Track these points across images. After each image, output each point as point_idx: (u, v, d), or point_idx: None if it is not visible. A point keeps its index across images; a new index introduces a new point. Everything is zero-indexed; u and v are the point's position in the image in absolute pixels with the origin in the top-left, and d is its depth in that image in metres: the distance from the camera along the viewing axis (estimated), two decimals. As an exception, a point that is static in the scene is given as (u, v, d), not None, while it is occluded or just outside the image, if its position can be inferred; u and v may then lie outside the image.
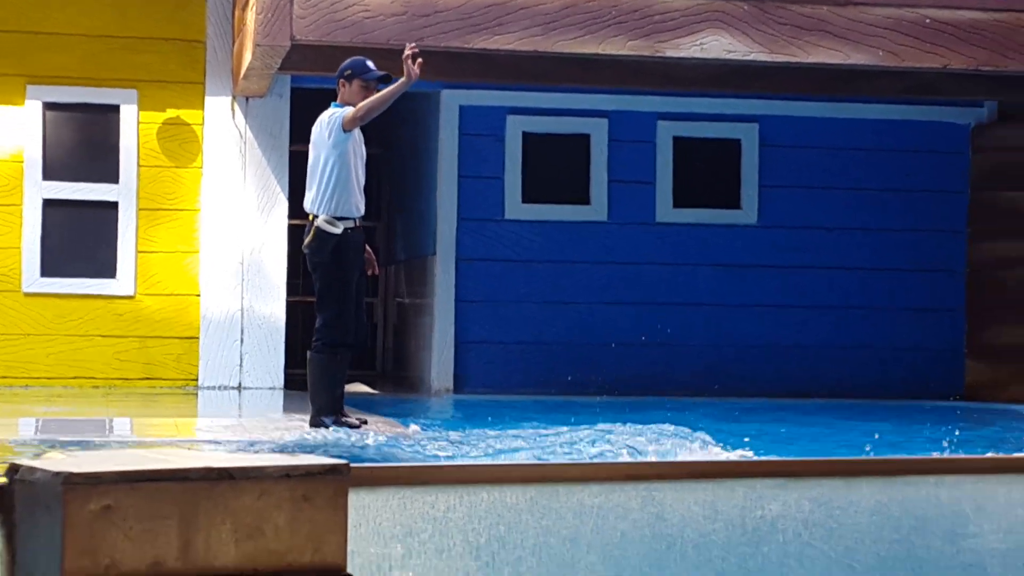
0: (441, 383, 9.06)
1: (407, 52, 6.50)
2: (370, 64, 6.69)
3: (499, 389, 9.06)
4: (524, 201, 9.41)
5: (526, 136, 9.49)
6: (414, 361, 9.88)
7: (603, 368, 9.05)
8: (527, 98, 9.46)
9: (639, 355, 9.44)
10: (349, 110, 6.58)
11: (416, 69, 6.48)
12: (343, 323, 6.53)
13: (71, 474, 1.06)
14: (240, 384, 8.55)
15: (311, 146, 6.67)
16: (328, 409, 6.38)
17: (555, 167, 9.60)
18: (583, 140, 9.57)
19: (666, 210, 9.65)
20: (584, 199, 9.57)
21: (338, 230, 6.44)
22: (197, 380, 8.57)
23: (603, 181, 9.53)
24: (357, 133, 6.65)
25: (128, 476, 1.07)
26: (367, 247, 6.85)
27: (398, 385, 10.07)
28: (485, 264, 9.42)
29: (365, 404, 7.61)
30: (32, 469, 1.11)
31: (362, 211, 6.69)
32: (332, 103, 6.66)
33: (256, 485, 1.12)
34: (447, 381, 9.05)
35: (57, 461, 1.16)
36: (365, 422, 6.45)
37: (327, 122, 6.64)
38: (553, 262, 9.44)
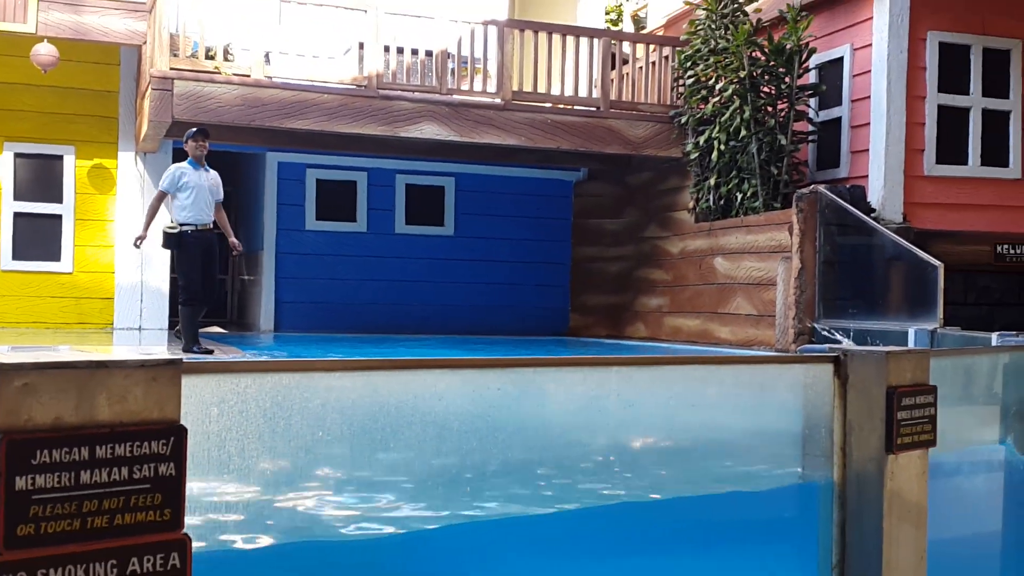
0: (266, 326, 11.90)
1: (236, 250, 8.61)
2: (193, 129, 8.38)
3: (301, 330, 11.80)
4: (317, 219, 12.19)
5: (318, 181, 12.22)
6: (251, 314, 12.62)
7: (362, 319, 12.08)
8: (320, 159, 12.01)
9: (382, 311, 12.23)
10: (165, 182, 8.29)
11: (235, 249, 8.56)
12: (192, 287, 8.18)
13: (2, 363, 1.32)
14: (140, 327, 11.12)
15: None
16: (192, 341, 8.09)
17: (336, 200, 12.24)
18: (353, 184, 12.36)
19: (401, 225, 12.54)
20: (353, 218, 12.33)
21: (175, 231, 8.17)
22: (113, 324, 11.12)
23: (364, 208, 12.34)
24: (203, 178, 8.26)
25: (39, 365, 1.35)
26: (232, 239, 8.66)
27: (241, 328, 12.73)
28: (293, 256, 12.08)
29: (221, 339, 10.42)
30: None
31: (201, 221, 8.20)
32: (187, 159, 8.38)
33: (122, 371, 1.43)
34: (270, 325, 11.88)
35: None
36: (212, 351, 8.22)
37: (166, 175, 8.42)
38: (333, 255, 12.13)
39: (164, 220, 8.44)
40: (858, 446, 2.43)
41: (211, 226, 8.37)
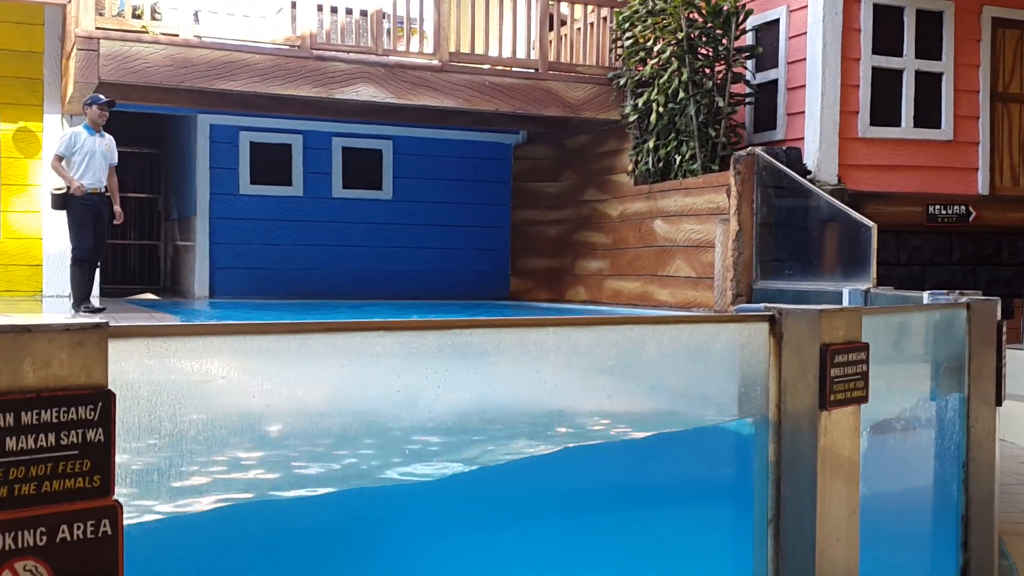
0: (201, 292, 11.78)
1: (77, 190, 8.34)
2: (101, 97, 8.56)
3: (235, 295, 11.75)
4: (252, 183, 12.05)
5: (252, 144, 12.00)
6: (184, 280, 12.49)
7: (299, 284, 12.05)
8: (253, 121, 11.77)
9: (319, 276, 12.19)
10: (62, 146, 8.43)
11: (76, 190, 8.33)
12: (81, 247, 8.40)
13: None
14: (70, 294, 10.07)
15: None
16: (82, 299, 8.31)
17: (270, 163, 12.06)
18: (287, 147, 12.17)
19: (338, 189, 12.38)
20: (288, 182, 12.22)
21: (61, 192, 8.35)
22: (42, 292, 11.01)
23: (300, 172, 12.24)
24: (98, 143, 8.40)
25: None
26: (116, 208, 8.61)
27: (174, 295, 12.62)
28: (227, 221, 11.95)
29: (154, 306, 10.42)
30: None
31: (92, 185, 8.35)
32: (84, 124, 8.53)
33: (46, 335, 1.41)
34: (205, 291, 11.76)
35: None
36: (103, 309, 8.34)
37: (62, 139, 8.56)
38: (268, 220, 12.09)
39: (54, 183, 8.57)
40: (792, 403, 2.46)
41: (103, 190, 8.50)
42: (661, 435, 2.47)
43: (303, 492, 2.17)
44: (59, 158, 8.42)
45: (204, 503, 2.00)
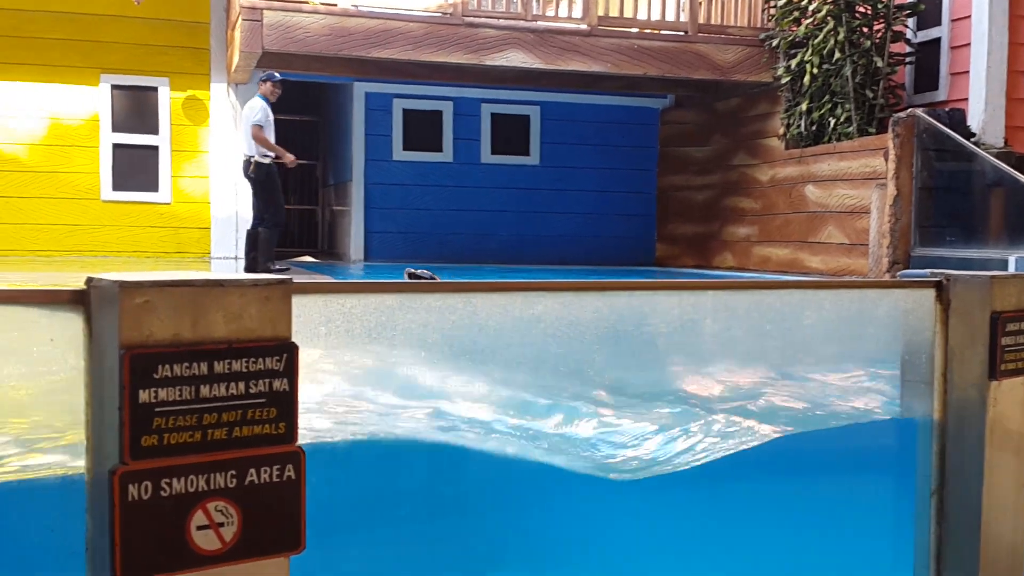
0: (356, 256, 12.05)
1: (291, 163, 8.91)
2: (276, 74, 9.00)
3: (389, 259, 11.93)
4: (404, 149, 12.24)
5: (405, 111, 12.19)
6: (341, 244, 12.81)
7: (450, 247, 12.21)
8: (406, 88, 11.96)
9: (468, 241, 12.34)
10: (260, 116, 8.77)
11: (291, 163, 8.90)
12: (280, 213, 8.90)
13: (124, 281, 1.37)
14: (236, 256, 11.26)
15: (243, 116, 9.18)
16: (271, 261, 8.73)
17: (422, 130, 12.22)
18: (438, 114, 12.31)
19: (487, 155, 12.50)
20: (439, 148, 12.31)
21: (267, 161, 8.76)
22: (210, 253, 11.39)
23: (450, 138, 12.32)
24: (269, 115, 8.83)
25: (158, 283, 1.38)
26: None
27: (331, 257, 12.88)
28: (381, 187, 12.19)
29: (312, 267, 10.64)
30: (101, 279, 1.40)
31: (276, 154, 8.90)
32: (257, 94, 8.99)
33: (238, 289, 1.45)
34: (360, 255, 12.03)
35: (116, 275, 1.41)
36: (288, 269, 8.77)
37: (250, 112, 8.83)
38: (420, 186, 12.27)
39: (258, 151, 8.82)
40: (960, 372, 2.39)
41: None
42: (821, 402, 2.44)
43: (477, 444, 2.22)
44: (260, 127, 8.73)
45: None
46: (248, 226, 9.84)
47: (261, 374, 1.58)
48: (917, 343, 2.44)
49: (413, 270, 6.82)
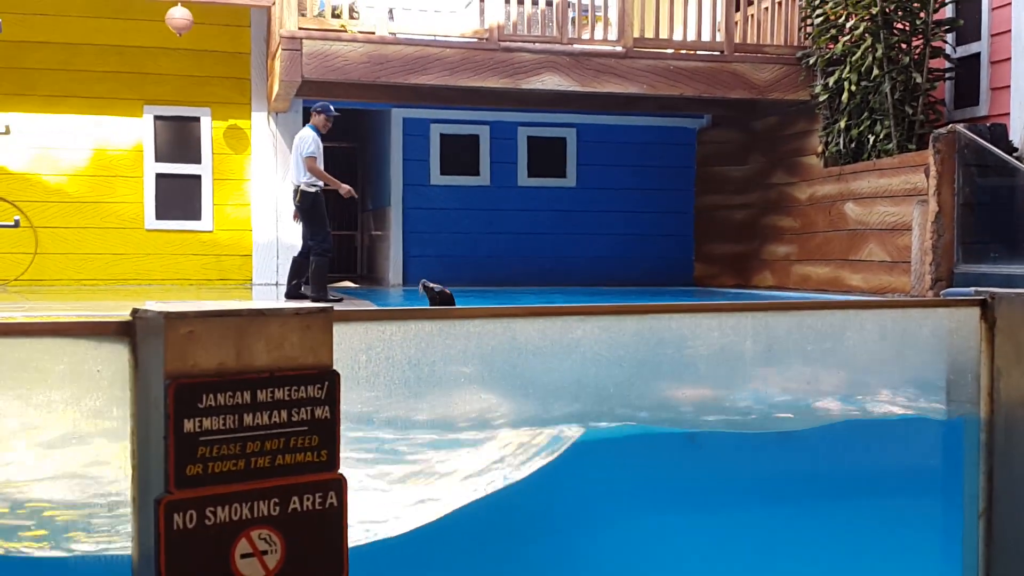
0: (395, 280, 12.10)
1: (347, 193, 8.90)
2: (331, 108, 8.92)
3: None
4: (441, 174, 12.29)
5: (442, 136, 12.26)
6: (380, 268, 12.88)
7: (487, 271, 12.19)
8: (442, 113, 12.03)
9: (506, 264, 12.33)
10: (313, 148, 8.71)
11: (346, 193, 8.89)
12: (328, 241, 8.81)
13: (169, 312, 1.40)
14: (276, 282, 11.31)
15: (294, 146, 9.01)
16: (323, 291, 8.63)
17: (459, 154, 12.31)
18: (475, 138, 12.40)
19: (523, 178, 12.54)
20: (476, 172, 12.38)
21: (313, 190, 8.76)
22: (252, 280, 11.45)
23: (487, 162, 12.37)
24: (320, 146, 8.82)
25: (203, 313, 1.42)
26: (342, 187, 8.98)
27: (370, 282, 12.91)
28: (419, 211, 12.25)
29: (351, 292, 10.67)
30: (146, 310, 1.44)
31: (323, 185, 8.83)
32: (308, 124, 8.95)
33: (279, 318, 1.49)
34: (399, 279, 12.08)
35: (161, 304, 1.47)
36: (342, 299, 8.68)
37: (301, 142, 8.79)
38: (458, 209, 12.28)
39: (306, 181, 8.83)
40: (1006, 391, 2.35)
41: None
42: (865, 423, 2.42)
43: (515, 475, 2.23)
44: (314, 159, 8.76)
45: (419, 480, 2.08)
46: (293, 252, 9.84)
47: (303, 402, 1.60)
48: (962, 363, 2.41)
49: (427, 282, 6.85)
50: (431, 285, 7.00)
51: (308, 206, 8.79)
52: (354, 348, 1.78)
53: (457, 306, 4.87)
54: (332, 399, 1.63)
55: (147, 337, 1.53)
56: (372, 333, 1.82)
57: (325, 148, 9.13)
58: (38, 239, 10.91)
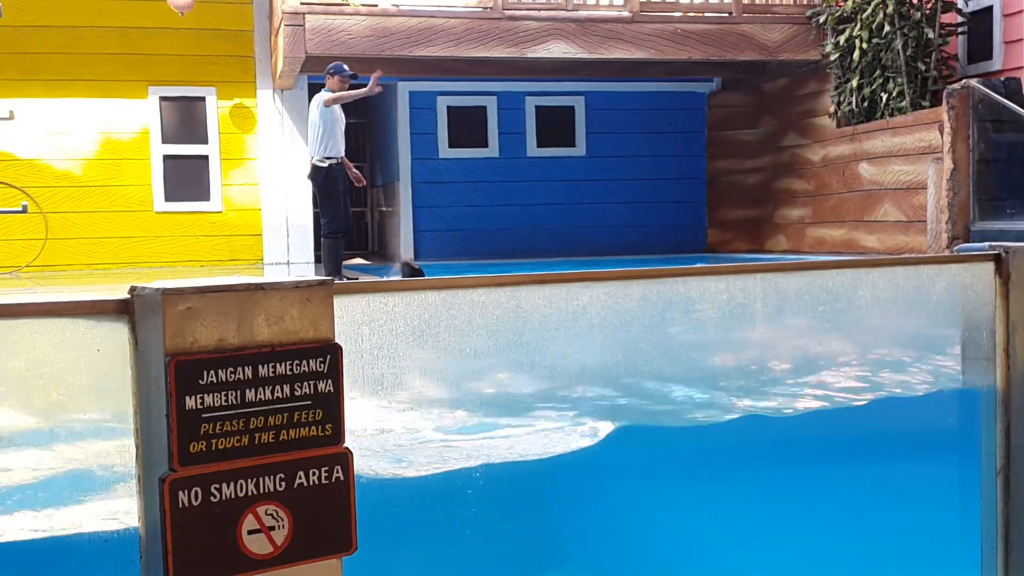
0: (407, 255, 11.80)
1: (375, 76, 8.45)
2: (345, 67, 8.63)
3: (439, 257, 11.90)
4: (450, 147, 12.23)
5: (449, 108, 12.19)
6: (391, 244, 12.86)
7: (499, 244, 12.20)
8: (449, 85, 11.97)
9: (518, 235, 12.33)
10: (330, 94, 8.44)
11: (376, 88, 8.56)
12: (337, 221, 8.47)
13: (166, 289, 1.39)
14: (288, 261, 11.42)
15: (309, 114, 8.73)
16: (335, 273, 8.19)
17: (467, 126, 12.24)
18: (483, 109, 12.32)
19: (533, 149, 12.47)
20: (485, 144, 12.32)
21: (325, 164, 8.40)
22: (263, 259, 11.47)
23: (495, 133, 12.33)
24: (337, 108, 8.45)
25: (201, 289, 1.41)
26: (354, 169, 8.70)
27: (381, 258, 12.96)
28: (428, 185, 12.23)
29: (362, 268, 10.85)
30: (144, 287, 1.42)
31: (341, 153, 8.43)
32: (323, 89, 8.62)
33: (278, 292, 1.47)
34: (410, 254, 11.89)
35: (159, 281, 1.43)
36: (357, 278, 8.15)
37: (316, 101, 8.52)
38: (467, 182, 12.29)
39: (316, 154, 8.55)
40: (1022, 347, 2.31)
41: (340, 159, 8.57)
42: (879, 384, 2.38)
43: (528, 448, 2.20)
44: (330, 97, 8.40)
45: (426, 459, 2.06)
46: (303, 231, 9.63)
47: (306, 376, 1.58)
48: (977, 319, 2.37)
49: (407, 260, 6.70)
50: (411, 263, 6.90)
51: (320, 181, 8.53)
52: (356, 321, 1.75)
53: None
54: (335, 372, 1.60)
55: (146, 315, 1.51)
56: (374, 305, 1.79)
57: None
58: (48, 225, 10.92)
